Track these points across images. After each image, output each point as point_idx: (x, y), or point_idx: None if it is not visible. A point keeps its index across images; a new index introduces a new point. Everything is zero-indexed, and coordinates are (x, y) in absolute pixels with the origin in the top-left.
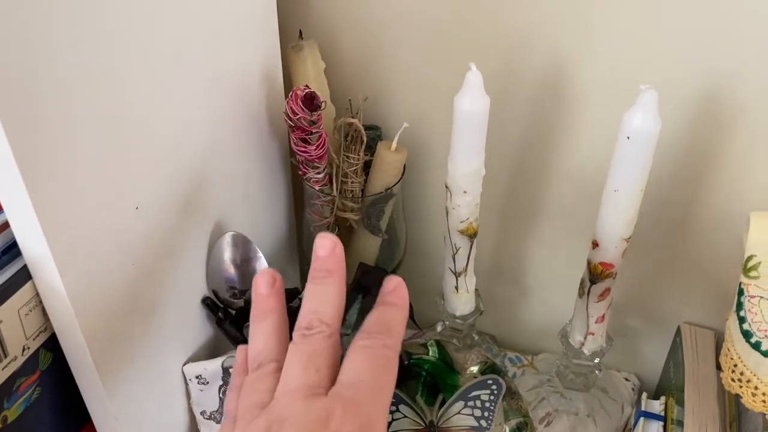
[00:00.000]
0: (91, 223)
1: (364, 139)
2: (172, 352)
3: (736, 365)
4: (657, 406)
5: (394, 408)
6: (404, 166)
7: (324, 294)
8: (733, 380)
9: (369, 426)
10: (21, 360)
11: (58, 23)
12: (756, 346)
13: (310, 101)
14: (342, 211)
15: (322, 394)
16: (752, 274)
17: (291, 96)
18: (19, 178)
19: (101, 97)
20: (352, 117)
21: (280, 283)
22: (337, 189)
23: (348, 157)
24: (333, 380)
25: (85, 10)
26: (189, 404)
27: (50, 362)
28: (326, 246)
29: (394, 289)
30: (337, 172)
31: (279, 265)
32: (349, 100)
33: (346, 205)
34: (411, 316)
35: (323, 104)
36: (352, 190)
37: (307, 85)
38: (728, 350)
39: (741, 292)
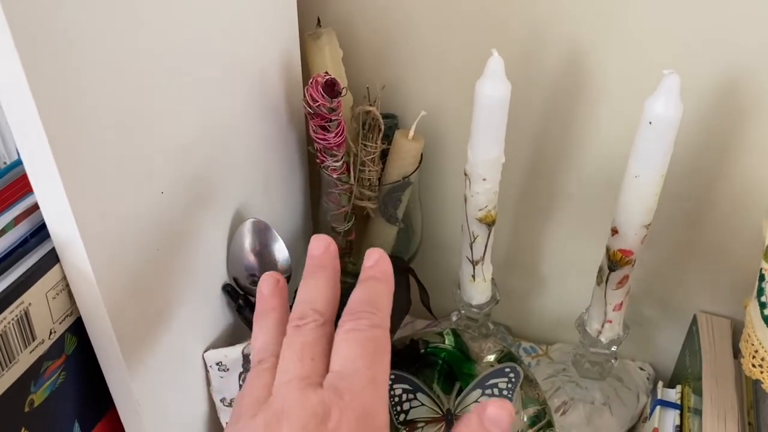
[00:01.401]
0: (118, 206)
1: (382, 127)
2: (192, 338)
3: (756, 351)
4: (673, 395)
5: (411, 396)
6: (421, 154)
7: (316, 285)
8: (753, 366)
9: (368, 418)
10: (48, 343)
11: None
12: None
13: (331, 88)
14: (359, 200)
15: (318, 383)
16: None
17: (311, 83)
18: (51, 161)
19: (128, 86)
20: (370, 105)
21: (283, 284)
22: (354, 177)
23: (365, 145)
24: (328, 368)
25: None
26: (209, 391)
27: (75, 347)
28: (320, 246)
29: (376, 262)
30: (354, 160)
31: (296, 253)
32: (367, 88)
33: (363, 194)
34: (427, 306)
35: (344, 91)
36: (369, 179)
37: (327, 72)
38: (749, 336)
39: (762, 278)
